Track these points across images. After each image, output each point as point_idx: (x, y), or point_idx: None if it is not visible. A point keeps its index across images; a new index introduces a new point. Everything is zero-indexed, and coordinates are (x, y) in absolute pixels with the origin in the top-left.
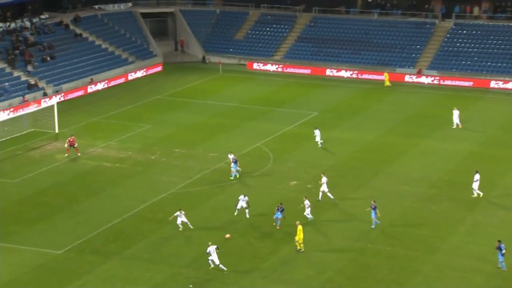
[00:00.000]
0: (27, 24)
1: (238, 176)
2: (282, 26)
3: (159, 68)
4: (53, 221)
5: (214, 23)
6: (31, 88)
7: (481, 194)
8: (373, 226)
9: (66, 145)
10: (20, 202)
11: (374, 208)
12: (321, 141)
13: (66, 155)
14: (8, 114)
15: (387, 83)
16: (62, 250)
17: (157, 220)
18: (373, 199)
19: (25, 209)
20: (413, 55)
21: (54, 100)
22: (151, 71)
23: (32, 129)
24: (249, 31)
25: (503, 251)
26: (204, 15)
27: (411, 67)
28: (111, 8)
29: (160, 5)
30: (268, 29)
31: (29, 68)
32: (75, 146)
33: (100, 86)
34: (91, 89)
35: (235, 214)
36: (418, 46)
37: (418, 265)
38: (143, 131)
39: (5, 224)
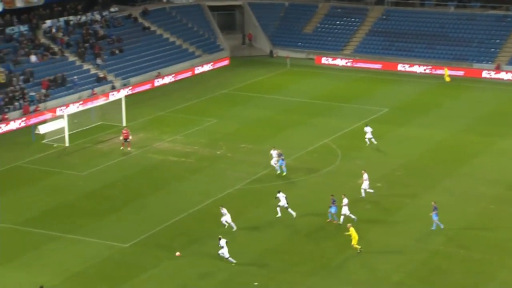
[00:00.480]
0: (97, 17)
1: (279, 172)
2: (353, 19)
3: (226, 62)
4: (120, 214)
5: (282, 16)
6: (100, 81)
7: None
8: (433, 228)
9: (121, 138)
10: (88, 195)
11: (435, 209)
12: (373, 139)
13: (129, 148)
14: (78, 107)
15: (447, 78)
16: (129, 243)
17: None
18: (433, 201)
19: (93, 202)
20: (492, 49)
21: (122, 93)
22: (218, 65)
23: (100, 122)
24: (318, 25)
25: None
26: (273, 8)
27: (489, 62)
28: (179, 1)
29: None
30: (338, 22)
31: (98, 61)
32: (128, 140)
33: (167, 79)
34: (158, 82)
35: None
36: (497, 40)
37: (495, 270)
38: (209, 125)
39: (74, 217)
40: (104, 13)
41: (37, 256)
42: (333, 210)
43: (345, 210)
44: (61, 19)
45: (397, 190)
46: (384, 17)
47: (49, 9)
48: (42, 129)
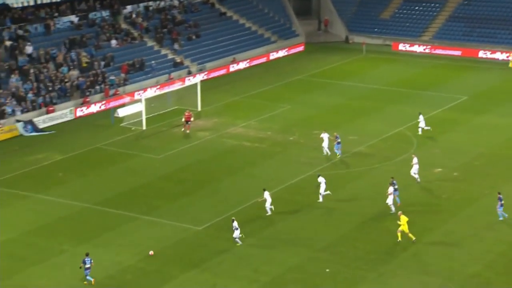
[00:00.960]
0: (176, 2)
1: (337, 154)
2: (433, 4)
3: (301, 48)
4: (194, 197)
5: (359, 1)
6: (177, 66)
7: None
8: (500, 218)
9: (182, 120)
10: (164, 178)
11: (500, 200)
12: (428, 127)
13: (187, 131)
14: (155, 91)
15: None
16: (202, 226)
17: (295, 202)
18: (498, 191)
19: (169, 184)
20: None
21: (198, 78)
22: (292, 51)
23: (176, 107)
24: (396, 10)
25: None
26: None
27: None
28: None
29: None
30: (417, 7)
31: (176, 46)
32: (189, 122)
33: (242, 65)
34: (233, 68)
35: (320, 200)
36: None
37: None
38: (283, 111)
39: (150, 198)
40: None
41: (115, 236)
42: (396, 193)
43: (389, 199)
44: (141, 4)
45: (476, 180)
46: (466, 2)
47: None
48: (121, 112)
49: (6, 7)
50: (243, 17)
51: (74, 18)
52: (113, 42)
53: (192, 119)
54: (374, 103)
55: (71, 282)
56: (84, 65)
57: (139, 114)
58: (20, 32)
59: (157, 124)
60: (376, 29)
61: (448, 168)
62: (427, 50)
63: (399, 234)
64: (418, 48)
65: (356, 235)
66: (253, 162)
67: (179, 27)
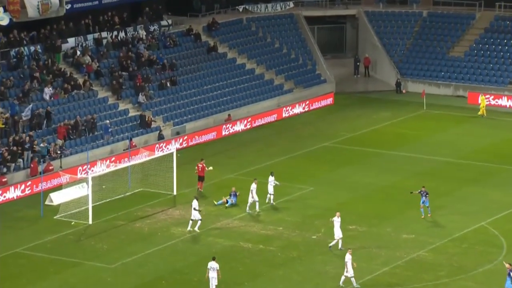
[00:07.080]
0: (142, 33)
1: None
2: None
3: (329, 101)
4: None
5: (417, 31)
6: (143, 127)
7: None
8: None
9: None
10: None
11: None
12: (272, 196)
13: (198, 188)
14: (108, 166)
15: (482, 112)
16: None
17: None
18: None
19: None
20: None
21: (173, 146)
22: (316, 105)
23: (140, 189)
24: (474, 45)
25: None
26: (403, 20)
27: None
28: (263, 9)
29: (336, 6)
30: (505, 41)
31: (141, 98)
32: (203, 176)
33: (240, 126)
34: (227, 130)
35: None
36: None
37: None
38: (302, 195)
39: None
40: (153, 27)
41: None
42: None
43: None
44: (89, 36)
45: None
46: None
47: (73, 22)
48: (56, 198)
49: None
50: (242, 54)
51: None
52: (47, 92)
53: (207, 168)
54: (441, 184)
55: None
56: (1, 126)
57: (82, 200)
58: None
59: (111, 215)
60: (443, 73)
61: None
62: None
63: None
64: (507, 102)
65: None
66: (255, 274)
67: (146, 69)
